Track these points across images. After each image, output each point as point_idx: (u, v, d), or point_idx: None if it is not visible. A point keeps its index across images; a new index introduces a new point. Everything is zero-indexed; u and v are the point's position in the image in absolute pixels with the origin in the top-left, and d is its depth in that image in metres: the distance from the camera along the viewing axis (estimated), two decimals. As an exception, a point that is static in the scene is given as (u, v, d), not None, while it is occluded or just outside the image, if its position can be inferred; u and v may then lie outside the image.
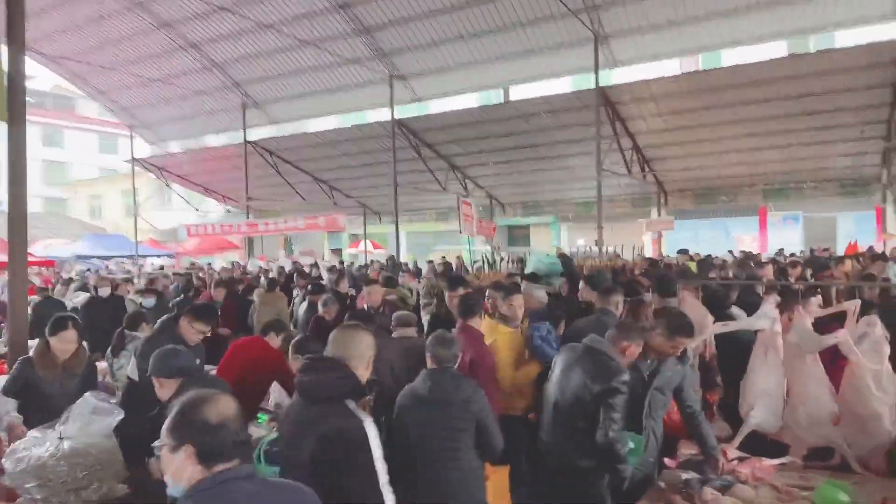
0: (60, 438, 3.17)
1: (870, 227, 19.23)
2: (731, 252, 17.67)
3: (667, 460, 3.59)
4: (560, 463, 3.20)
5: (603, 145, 15.40)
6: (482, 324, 4.20)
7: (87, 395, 3.45)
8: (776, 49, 16.81)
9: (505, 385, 4.09)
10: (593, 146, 17.61)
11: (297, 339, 4.27)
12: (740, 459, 3.48)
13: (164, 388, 3.33)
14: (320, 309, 7.25)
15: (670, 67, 17.89)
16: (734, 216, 22.98)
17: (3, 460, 3.10)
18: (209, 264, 22.48)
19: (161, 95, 21.94)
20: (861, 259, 11.52)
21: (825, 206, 20.83)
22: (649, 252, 21.09)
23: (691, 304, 4.29)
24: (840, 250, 17.59)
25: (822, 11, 13.61)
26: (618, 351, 3.22)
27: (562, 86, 18.43)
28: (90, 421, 3.31)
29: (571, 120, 17.36)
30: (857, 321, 3.72)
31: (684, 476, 3.29)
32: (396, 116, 18.17)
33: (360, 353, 2.54)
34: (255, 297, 9.16)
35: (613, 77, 16.98)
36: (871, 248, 15.49)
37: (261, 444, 3.35)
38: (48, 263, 19.71)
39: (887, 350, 3.49)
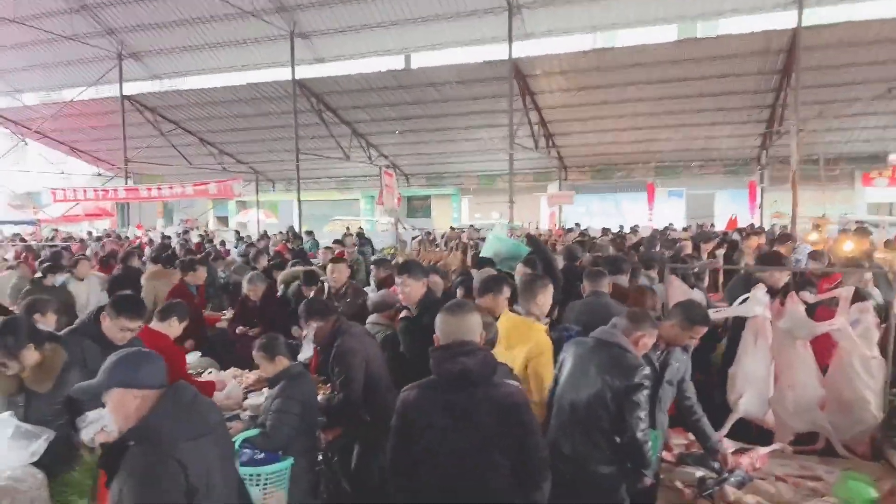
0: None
1: (744, 203, 20.85)
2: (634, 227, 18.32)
3: (664, 454, 3.44)
4: (580, 471, 2.90)
5: (509, 119, 15.35)
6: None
7: (2, 416, 2.70)
8: (673, 33, 17.57)
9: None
10: (501, 119, 17.68)
11: (267, 339, 3.62)
12: (739, 450, 3.40)
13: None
14: (245, 287, 6.52)
15: (578, 43, 18.12)
16: (625, 191, 24.10)
17: None
18: (90, 233, 20.10)
19: (15, 39, 18.96)
20: (743, 233, 12.31)
21: (706, 184, 22.33)
22: (546, 226, 21.62)
23: (678, 288, 4.18)
24: (719, 224, 19.00)
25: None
26: (631, 342, 2.98)
27: (471, 55, 18.08)
28: (12, 447, 2.59)
29: (481, 91, 17.15)
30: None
31: (699, 474, 3.15)
32: (298, 77, 16.99)
33: (477, 331, 2.49)
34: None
35: (524, 49, 16.91)
36: (751, 224, 16.73)
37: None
38: None
39: (877, 336, 3.55)
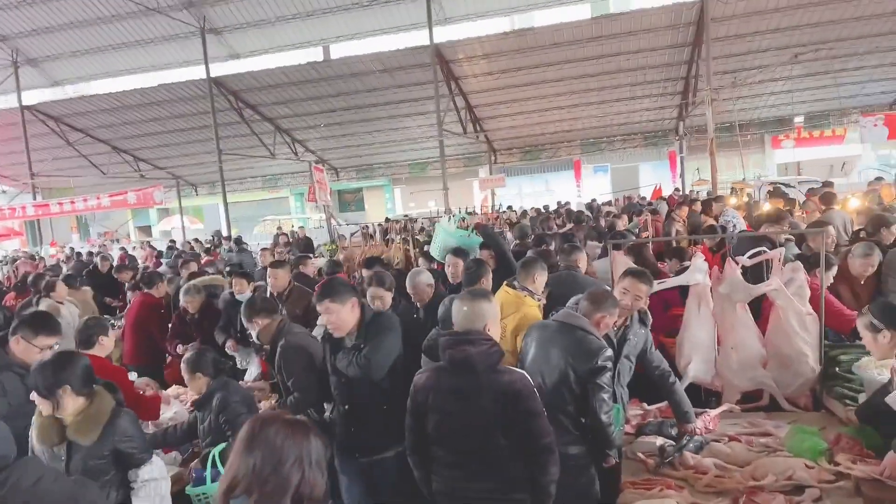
0: None
1: (666, 173, 21.67)
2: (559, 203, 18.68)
3: (625, 427, 3.50)
4: (549, 453, 2.93)
5: (436, 105, 15.32)
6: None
7: None
8: (587, 11, 17.94)
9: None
10: (427, 106, 17.63)
11: (193, 355, 3.43)
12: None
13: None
14: (182, 300, 6.17)
15: (495, 26, 18.21)
16: (553, 171, 24.59)
17: None
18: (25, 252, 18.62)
19: None
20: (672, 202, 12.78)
21: (630, 157, 23.07)
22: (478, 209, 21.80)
23: (622, 263, 4.25)
24: (644, 194, 19.70)
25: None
26: (593, 324, 3.00)
27: (392, 43, 17.86)
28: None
29: (405, 79, 17.01)
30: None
31: (658, 443, 3.22)
32: (213, 74, 16.30)
33: (493, 316, 2.61)
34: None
35: (443, 34, 16.86)
36: (676, 189, 17.41)
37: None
38: None
39: (808, 293, 3.73)
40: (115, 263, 9.89)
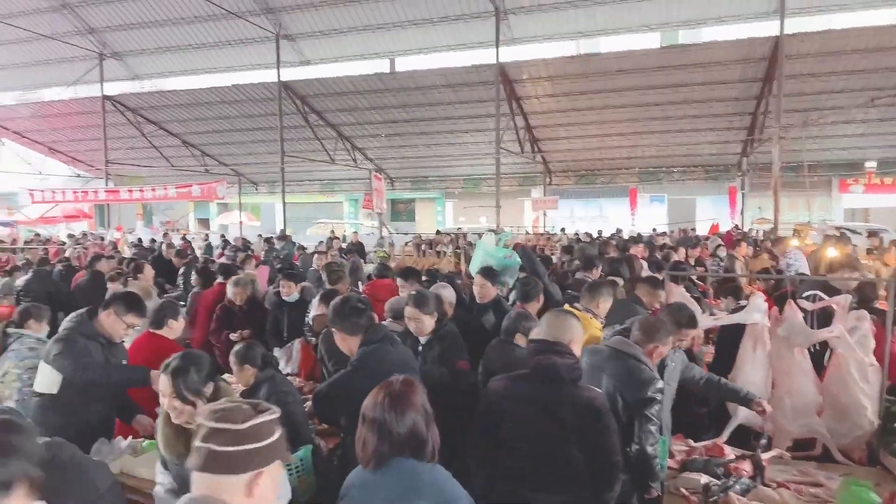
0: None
1: (723, 209, 21.15)
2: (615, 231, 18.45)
3: (668, 460, 3.46)
4: (592, 479, 2.93)
5: (496, 123, 15.43)
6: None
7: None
8: (656, 40, 17.81)
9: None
10: (486, 123, 17.79)
11: (242, 348, 3.56)
12: (740, 457, 3.44)
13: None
14: (230, 292, 6.38)
15: (561, 49, 18.27)
16: (608, 196, 24.33)
17: None
18: (94, 234, 19.63)
19: (-6, 37, 18.65)
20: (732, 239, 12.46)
21: (687, 189, 22.63)
22: (530, 230, 21.73)
23: (677, 295, 4.22)
24: (700, 229, 19.27)
25: (702, 4, 14.45)
26: (646, 354, 3.00)
27: (457, 59, 18.12)
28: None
29: (468, 95, 17.21)
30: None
31: (703, 480, 3.17)
32: (283, 79, 16.90)
33: (578, 336, 2.66)
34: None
35: (509, 54, 17.01)
36: (736, 226, 16.98)
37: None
38: None
39: (873, 344, 3.62)
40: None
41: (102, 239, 15.61)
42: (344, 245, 13.02)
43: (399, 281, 5.36)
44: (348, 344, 3.04)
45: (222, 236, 19.64)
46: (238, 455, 1.38)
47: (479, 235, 12.03)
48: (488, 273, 4.77)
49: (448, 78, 16.61)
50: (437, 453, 1.95)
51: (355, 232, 19.53)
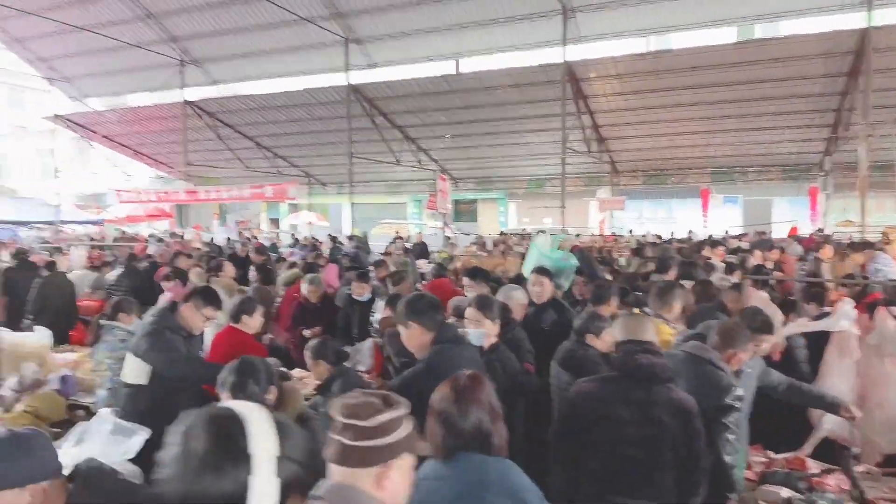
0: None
1: (802, 211, 20.11)
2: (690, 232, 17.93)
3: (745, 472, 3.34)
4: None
5: (562, 122, 15.26)
6: None
7: (102, 411, 2.83)
8: (731, 34, 17.16)
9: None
10: (551, 123, 17.59)
11: (317, 343, 3.68)
12: (825, 471, 3.28)
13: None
14: (304, 289, 6.60)
15: (630, 46, 17.88)
16: (678, 197, 23.57)
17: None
18: (174, 233, 20.75)
19: (85, 46, 19.90)
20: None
21: (764, 190, 21.65)
22: (596, 231, 21.34)
23: (758, 299, 4.07)
24: (777, 232, 18.37)
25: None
26: (724, 359, 2.91)
27: (523, 59, 18.02)
28: (108, 443, 2.70)
29: (533, 95, 17.08)
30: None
31: (784, 494, 3.05)
32: (352, 82, 17.31)
33: (655, 338, 2.68)
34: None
35: (576, 53, 16.77)
36: (820, 230, 16.12)
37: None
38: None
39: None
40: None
41: (181, 237, 16.41)
42: (408, 245, 13.18)
43: (466, 280, 5.35)
44: (420, 340, 3.00)
45: (292, 235, 20.28)
46: (365, 450, 1.43)
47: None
48: (544, 271, 4.67)
49: (513, 78, 16.55)
50: (505, 448, 1.96)
51: (419, 232, 19.71)
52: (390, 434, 1.46)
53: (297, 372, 5.31)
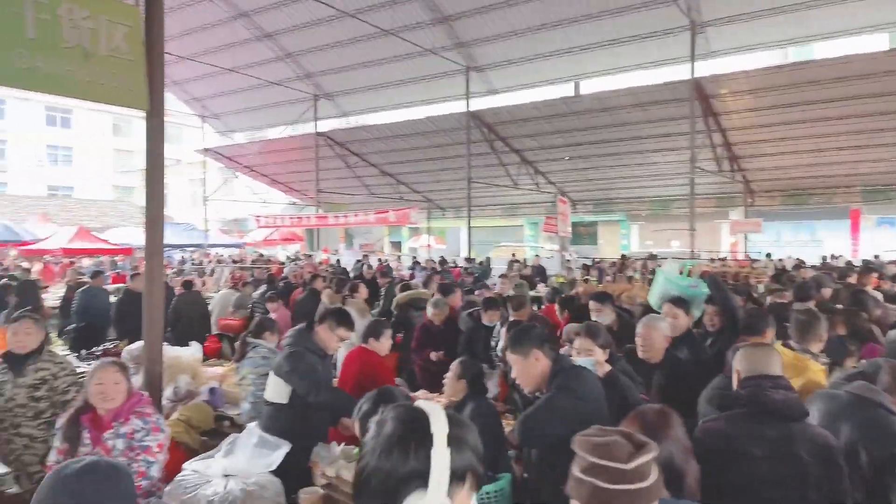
0: (226, 476, 2.76)
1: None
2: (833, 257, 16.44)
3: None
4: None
5: (690, 141, 14.55)
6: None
7: (250, 425, 3.06)
8: (883, 41, 15.64)
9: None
10: (678, 142, 16.89)
11: (465, 361, 3.73)
12: None
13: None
14: (429, 312, 6.74)
15: (765, 59, 16.81)
16: (822, 218, 21.61)
17: (166, 499, 2.71)
18: (308, 255, 22.30)
19: (232, 86, 21.95)
20: None
21: (928, 210, 19.33)
22: (728, 255, 20.00)
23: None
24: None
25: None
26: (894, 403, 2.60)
27: (645, 77, 17.49)
28: (254, 455, 2.90)
29: (658, 114, 16.51)
30: None
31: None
32: (471, 108, 17.68)
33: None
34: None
35: (705, 68, 16.02)
36: None
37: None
38: (126, 252, 19.99)
39: None
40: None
41: (311, 258, 17.46)
42: (528, 268, 13.08)
43: (593, 304, 5.21)
44: (540, 370, 2.89)
45: (413, 258, 20.89)
46: (622, 493, 1.39)
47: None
48: (680, 302, 4.37)
49: (637, 97, 16.08)
50: (698, 490, 1.88)
51: (536, 255, 19.57)
52: (647, 478, 1.41)
53: (421, 393, 5.42)
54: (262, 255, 22.88)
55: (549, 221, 17.19)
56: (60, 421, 3.11)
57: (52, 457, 3.02)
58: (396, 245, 33.22)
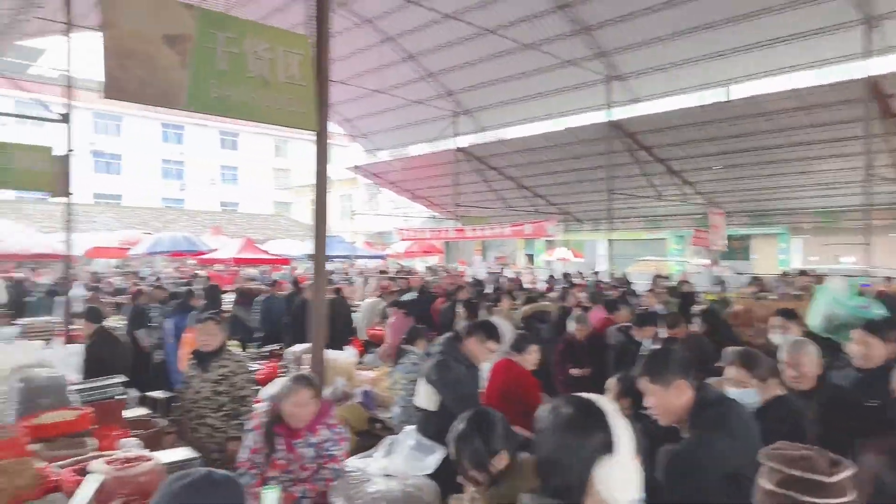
0: (386, 476, 2.91)
1: None
2: None
3: None
4: None
5: (865, 146, 13.06)
6: None
7: (407, 429, 3.21)
8: None
9: None
10: (849, 146, 15.28)
11: (623, 376, 3.65)
12: None
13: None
14: (570, 326, 6.65)
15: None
16: None
17: (333, 494, 2.92)
18: (443, 267, 23.14)
19: (379, 106, 23.21)
20: None
21: None
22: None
23: None
24: None
25: None
26: None
27: (807, 79, 15.97)
28: (411, 458, 3.03)
29: (824, 117, 15.01)
30: None
31: None
32: (613, 118, 17.23)
33: None
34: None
35: (880, 66, 14.32)
36: None
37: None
38: (284, 262, 21.80)
39: None
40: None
41: (447, 272, 17.89)
42: (686, 283, 12.30)
43: (778, 321, 4.69)
44: (683, 402, 2.55)
45: (550, 274, 20.68)
46: None
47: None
48: (876, 328, 3.72)
49: (802, 99, 14.73)
50: None
51: (683, 271, 18.52)
52: (847, 494, 1.37)
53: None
54: (402, 267, 23.84)
55: (699, 234, 16.21)
56: (251, 425, 3.46)
57: (245, 454, 3.36)
58: (530, 257, 33.08)
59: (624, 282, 14.97)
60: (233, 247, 20.09)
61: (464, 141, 22.81)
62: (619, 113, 17.95)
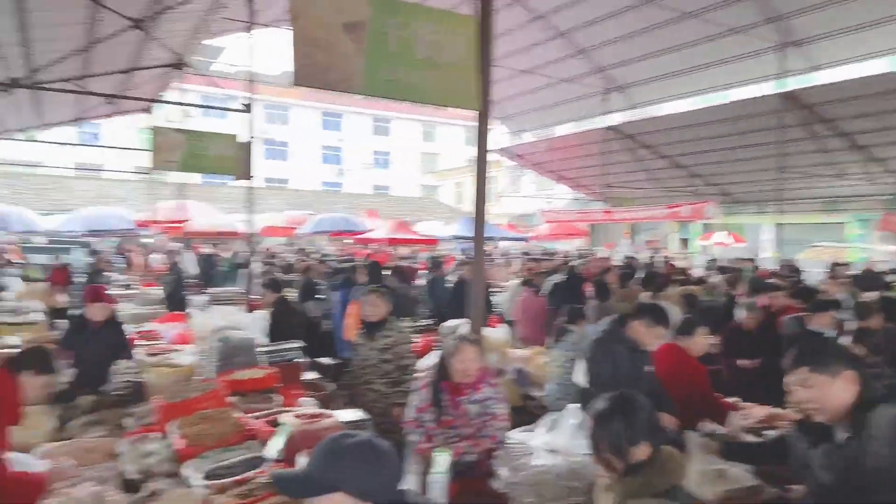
0: (551, 451, 2.93)
1: None
2: None
3: None
4: None
5: None
6: None
7: (571, 406, 3.22)
8: None
9: None
10: None
11: None
12: None
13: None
14: (741, 314, 6.21)
15: None
16: None
17: (498, 464, 3.00)
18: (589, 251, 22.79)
19: (525, 87, 22.92)
20: None
21: None
22: None
23: None
24: None
25: None
26: None
27: None
28: (575, 435, 3.03)
29: None
30: None
31: None
32: (787, 88, 15.62)
33: None
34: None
35: None
36: None
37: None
38: (432, 242, 22.56)
39: None
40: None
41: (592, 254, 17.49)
42: (862, 272, 11.03)
43: None
44: (849, 395, 2.27)
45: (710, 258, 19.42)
46: None
47: None
48: None
49: None
50: None
51: (867, 258, 16.49)
52: None
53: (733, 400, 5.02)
54: (545, 249, 23.63)
55: (889, 217, 14.24)
56: (417, 384, 3.68)
57: (412, 413, 3.58)
58: (684, 241, 31.21)
59: (794, 269, 13.64)
60: (386, 227, 21.15)
61: (613, 119, 21.94)
62: (794, 83, 16.23)
